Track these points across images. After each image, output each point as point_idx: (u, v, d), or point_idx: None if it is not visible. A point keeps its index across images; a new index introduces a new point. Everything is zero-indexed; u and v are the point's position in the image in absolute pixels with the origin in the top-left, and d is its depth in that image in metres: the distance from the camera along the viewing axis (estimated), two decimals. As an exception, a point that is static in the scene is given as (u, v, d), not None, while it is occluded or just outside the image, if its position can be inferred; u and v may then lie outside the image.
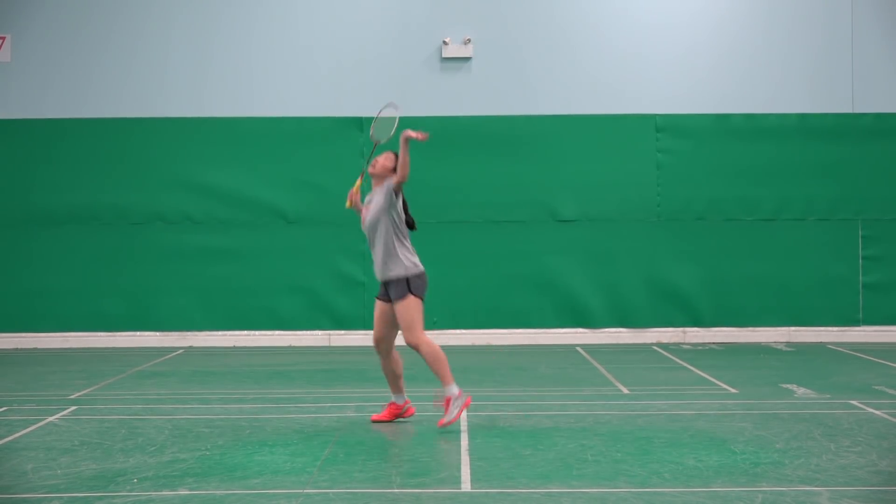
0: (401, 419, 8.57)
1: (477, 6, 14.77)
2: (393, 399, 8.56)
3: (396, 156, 8.45)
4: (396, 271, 8.23)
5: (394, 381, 8.48)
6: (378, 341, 8.40)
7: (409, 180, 14.64)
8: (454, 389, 8.22)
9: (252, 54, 14.74)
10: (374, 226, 8.37)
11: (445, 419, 8.14)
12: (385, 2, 14.80)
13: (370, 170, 8.51)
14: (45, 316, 14.43)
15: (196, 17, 14.75)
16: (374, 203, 8.43)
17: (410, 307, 8.19)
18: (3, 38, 14.62)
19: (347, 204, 8.73)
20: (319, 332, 14.50)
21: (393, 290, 8.22)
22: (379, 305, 8.37)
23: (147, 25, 14.74)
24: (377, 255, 8.33)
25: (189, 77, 14.71)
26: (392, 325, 8.35)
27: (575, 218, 14.58)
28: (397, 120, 8.84)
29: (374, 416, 8.56)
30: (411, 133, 8.21)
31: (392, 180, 8.40)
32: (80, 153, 14.52)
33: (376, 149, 8.76)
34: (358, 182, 8.73)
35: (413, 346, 8.24)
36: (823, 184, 14.56)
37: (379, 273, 8.31)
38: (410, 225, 8.55)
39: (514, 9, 14.78)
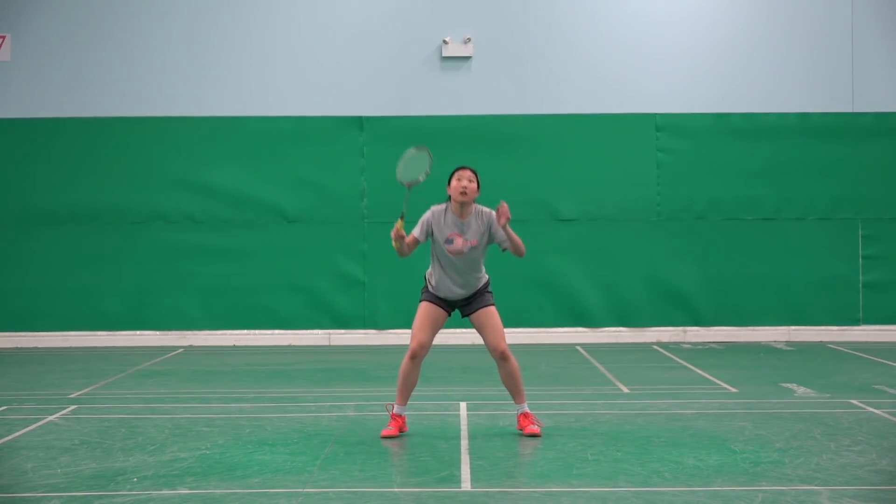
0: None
1: (477, 6, 14.77)
2: (397, 411, 7.97)
3: (474, 173, 8.13)
4: (479, 284, 8.08)
5: (410, 391, 7.97)
6: (424, 346, 7.82)
7: (409, 180, 14.57)
8: (526, 407, 8.00)
9: (252, 54, 14.74)
10: (472, 255, 8.00)
11: (538, 427, 7.89)
12: (385, 1, 14.80)
13: (461, 198, 8.01)
14: (45, 315, 14.43)
15: (196, 17, 14.74)
16: (474, 235, 7.99)
17: (498, 314, 7.98)
18: (3, 38, 14.62)
19: (395, 244, 8.11)
20: (319, 332, 14.50)
21: (478, 299, 7.96)
22: (431, 310, 7.92)
23: (147, 25, 14.74)
24: (460, 278, 7.94)
25: (189, 77, 14.71)
26: (436, 333, 7.96)
27: (575, 217, 14.58)
28: (428, 158, 8.54)
29: (386, 432, 7.91)
30: (504, 214, 7.87)
31: (495, 227, 8.02)
32: (80, 152, 14.52)
33: (410, 190, 8.39)
34: (400, 222, 8.21)
35: (502, 353, 7.86)
36: (823, 183, 14.56)
37: (460, 291, 7.94)
38: None
39: (513, 8, 14.78)
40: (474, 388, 10.39)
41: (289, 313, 14.53)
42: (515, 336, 14.39)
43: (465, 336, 14.48)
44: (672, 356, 12.93)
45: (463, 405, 9.31)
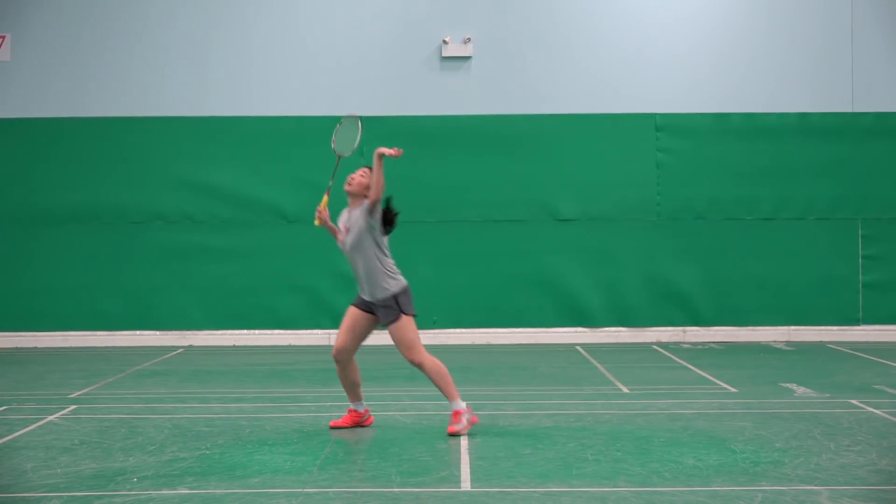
0: (360, 426, 8.35)
1: (477, 5, 14.77)
2: (352, 407, 8.27)
3: (370, 170, 8.22)
4: (383, 293, 8.03)
5: (352, 389, 8.22)
6: (342, 351, 8.08)
7: (408, 179, 14.64)
8: (461, 404, 8.03)
9: (252, 54, 14.74)
10: (356, 247, 8.05)
11: (456, 427, 7.96)
12: (385, 1, 14.80)
13: (346, 188, 8.22)
14: (45, 315, 14.43)
15: (196, 17, 14.74)
16: (354, 224, 8.08)
17: (407, 327, 8.00)
18: (3, 38, 14.62)
19: (316, 222, 8.27)
20: (319, 332, 14.50)
21: (383, 313, 8.02)
22: (353, 314, 8.09)
23: (147, 25, 14.74)
24: (361, 276, 8.05)
25: (189, 77, 14.71)
26: (361, 337, 8.13)
27: (575, 217, 14.58)
28: (360, 130, 8.67)
29: (333, 423, 8.27)
30: (385, 150, 8.07)
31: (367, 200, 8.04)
32: (80, 152, 14.52)
33: (340, 162, 8.62)
34: (325, 198, 8.34)
35: (417, 365, 8.01)
36: (823, 183, 14.56)
37: (366, 294, 8.07)
38: (391, 222, 8.24)
39: (513, 8, 14.78)
40: (474, 388, 10.39)
41: (289, 313, 14.53)
42: (515, 336, 14.43)
43: (465, 336, 14.49)
44: (672, 356, 12.93)
45: (463, 405, 9.28)
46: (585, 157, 14.57)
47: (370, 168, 8.26)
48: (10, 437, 7.98)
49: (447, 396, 8.08)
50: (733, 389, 10.18)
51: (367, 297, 8.09)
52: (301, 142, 14.54)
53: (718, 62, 14.78)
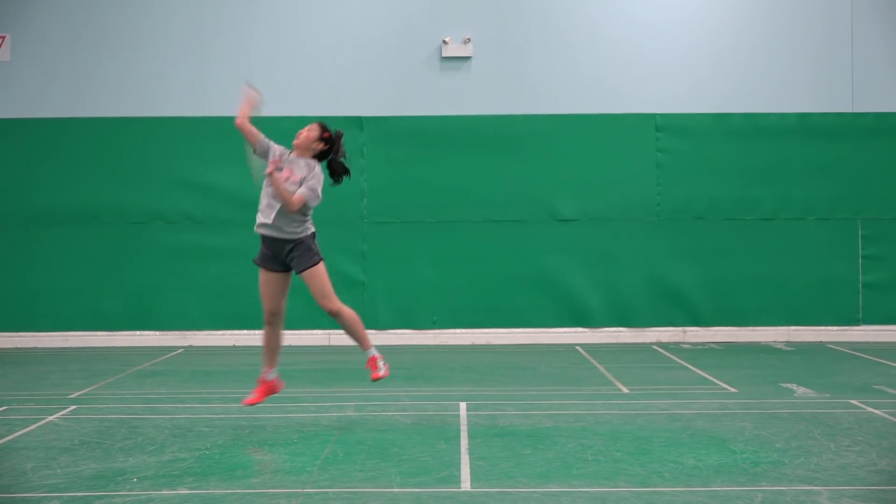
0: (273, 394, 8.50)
1: (477, 6, 14.77)
2: (264, 376, 8.38)
3: (321, 126, 8.29)
4: (296, 231, 8.13)
5: (274, 353, 8.36)
6: (274, 313, 8.20)
7: (408, 179, 14.60)
8: (375, 351, 8.33)
9: (252, 54, 14.74)
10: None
11: (380, 374, 8.25)
12: (385, 1, 14.80)
13: (294, 142, 8.26)
14: (45, 315, 14.43)
15: (196, 17, 14.74)
16: (295, 174, 8.10)
17: (322, 273, 8.17)
18: (3, 38, 14.63)
19: (240, 120, 8.49)
20: (319, 332, 14.50)
21: (298, 257, 8.10)
22: (267, 275, 8.15)
23: (147, 25, 14.74)
24: (271, 208, 8.05)
25: (189, 77, 14.71)
26: (285, 294, 8.25)
27: (575, 217, 14.58)
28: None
29: (247, 400, 8.39)
30: (270, 170, 8.04)
31: (317, 178, 8.13)
32: (80, 153, 14.52)
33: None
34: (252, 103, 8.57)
35: (334, 313, 8.17)
36: (823, 183, 14.55)
37: (269, 230, 8.06)
38: (345, 172, 8.36)
39: (513, 8, 14.78)
40: (474, 388, 10.39)
41: (288, 313, 14.24)
42: (515, 336, 14.43)
43: (465, 336, 14.49)
44: (672, 356, 12.93)
45: (463, 405, 9.31)
46: (585, 157, 14.57)
47: (320, 124, 8.32)
48: (10, 438, 7.98)
49: (362, 343, 8.31)
50: (733, 390, 10.19)
51: (269, 233, 8.08)
52: (301, 142, 14.51)
53: (718, 62, 14.78)
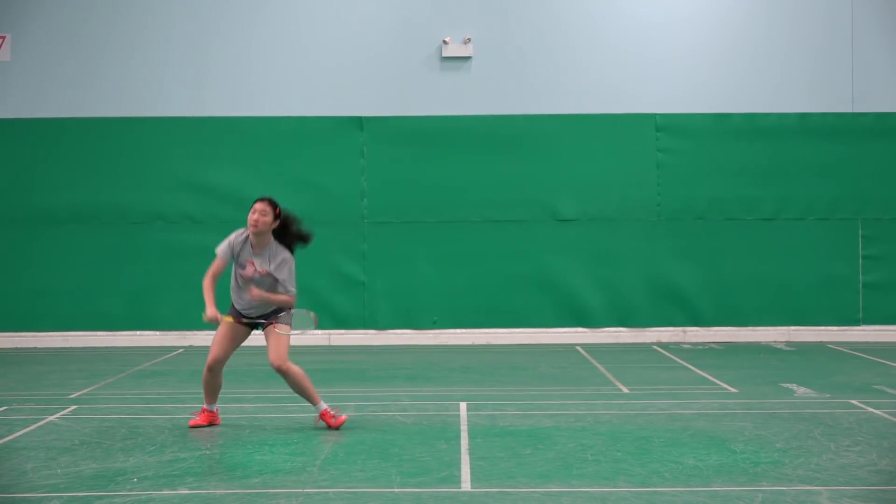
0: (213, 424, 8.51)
1: (477, 6, 14.77)
2: (207, 407, 8.46)
3: (270, 204, 8.39)
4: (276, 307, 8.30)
5: (216, 393, 8.46)
6: (219, 361, 8.30)
7: (408, 179, 14.63)
8: (324, 405, 8.33)
9: (252, 54, 14.74)
10: (262, 283, 8.20)
11: (342, 418, 8.27)
12: (385, 1, 14.80)
13: (254, 230, 8.28)
14: (45, 315, 14.43)
15: (196, 17, 14.74)
16: (259, 267, 8.22)
17: (287, 337, 8.29)
18: (3, 38, 14.63)
19: (215, 317, 8.24)
20: (319, 332, 14.49)
21: (273, 314, 8.26)
22: (232, 327, 8.28)
23: (147, 25, 14.74)
24: (252, 302, 8.21)
25: (189, 77, 14.71)
26: (236, 347, 8.40)
27: (575, 217, 14.58)
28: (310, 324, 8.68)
29: (194, 422, 8.40)
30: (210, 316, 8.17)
31: (288, 267, 8.29)
32: (81, 153, 14.52)
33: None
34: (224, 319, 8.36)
35: (283, 371, 8.19)
36: (823, 184, 14.56)
37: (252, 312, 8.26)
38: (306, 238, 8.59)
39: (514, 8, 14.78)
40: (474, 388, 10.39)
41: (289, 313, 14.49)
42: (515, 336, 14.43)
43: (465, 336, 14.49)
44: (672, 356, 12.93)
45: (463, 405, 9.30)
46: (585, 158, 14.57)
47: (271, 203, 8.44)
48: (10, 438, 7.98)
49: (311, 400, 8.29)
50: (733, 390, 10.18)
51: (249, 314, 8.29)
52: (301, 142, 14.54)
53: (718, 62, 14.78)
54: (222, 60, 14.73)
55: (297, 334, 8.60)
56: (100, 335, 14.45)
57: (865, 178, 14.57)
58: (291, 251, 8.39)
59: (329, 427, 8.24)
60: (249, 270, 8.22)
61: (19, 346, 14.36)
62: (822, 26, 14.74)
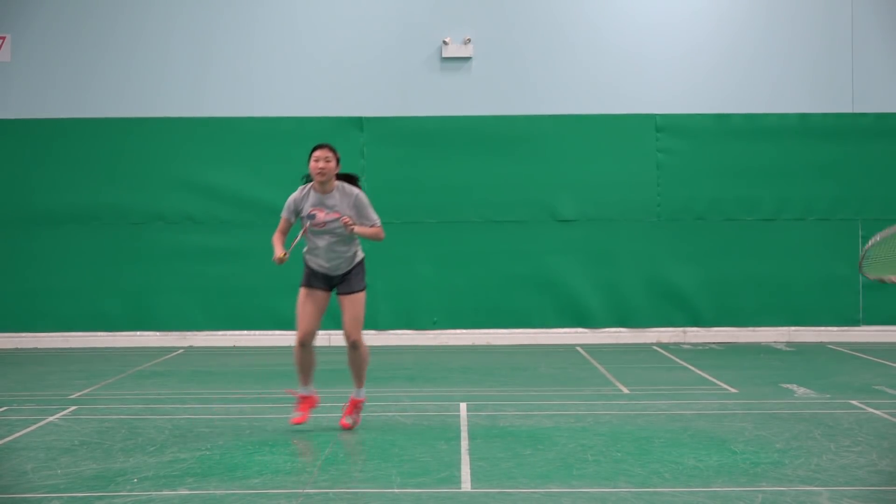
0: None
1: (477, 6, 14.77)
2: (305, 392, 8.33)
3: (332, 150, 8.14)
4: (353, 260, 8.17)
5: (310, 370, 8.32)
6: (310, 334, 8.18)
7: (408, 180, 14.64)
8: (364, 393, 8.32)
9: (252, 54, 14.74)
10: (334, 231, 8.06)
11: (350, 424, 8.22)
12: (385, 2, 14.80)
13: (321, 178, 8.04)
14: (45, 316, 14.43)
15: (196, 17, 14.75)
16: (330, 212, 8.05)
17: (363, 301, 8.19)
18: (3, 38, 14.62)
19: (282, 256, 8.13)
20: (319, 332, 14.44)
21: (347, 280, 8.13)
22: (315, 296, 8.13)
23: (147, 25, 14.74)
24: (328, 252, 8.06)
25: (189, 77, 14.71)
26: (323, 313, 8.22)
27: (575, 218, 14.58)
28: None
29: (296, 419, 8.21)
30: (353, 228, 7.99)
31: (365, 199, 8.21)
32: (81, 153, 14.52)
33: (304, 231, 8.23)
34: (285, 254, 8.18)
35: (357, 343, 8.14)
36: (823, 184, 14.56)
37: (330, 269, 8.09)
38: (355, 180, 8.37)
39: (514, 9, 14.78)
40: (474, 388, 10.39)
41: (289, 314, 14.43)
42: (515, 336, 14.43)
43: (465, 337, 14.49)
44: (672, 357, 12.93)
45: (463, 406, 9.31)
46: (585, 158, 14.57)
47: (332, 149, 8.16)
48: (10, 438, 7.98)
49: (356, 382, 8.26)
50: (733, 390, 10.18)
51: (326, 270, 8.11)
52: (301, 142, 14.38)
53: (718, 62, 14.78)
54: (222, 60, 14.74)
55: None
56: (100, 335, 14.45)
57: (865, 178, 14.56)
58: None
59: (343, 416, 8.21)
60: (320, 217, 8.05)
61: (19, 346, 14.36)
62: (822, 26, 14.74)
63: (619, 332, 14.50)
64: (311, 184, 8.17)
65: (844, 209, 14.56)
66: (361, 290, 8.20)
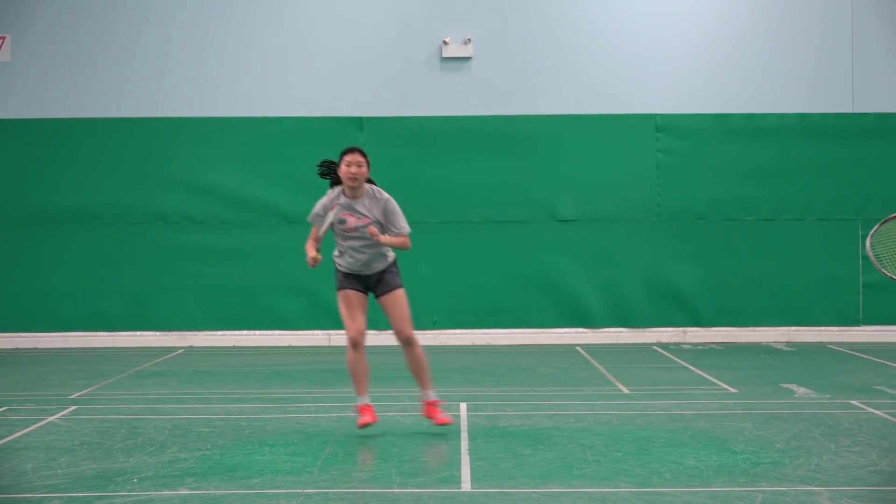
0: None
1: (477, 6, 14.77)
2: (365, 401, 8.01)
3: (363, 154, 8.10)
4: (385, 263, 8.11)
5: (366, 377, 8.01)
6: (362, 332, 7.94)
7: (408, 179, 14.67)
8: (433, 393, 8.16)
9: (252, 54, 14.74)
10: (365, 235, 7.98)
11: (446, 419, 8.08)
12: (385, 1, 14.80)
13: (352, 183, 7.98)
14: (45, 316, 14.43)
15: (196, 17, 14.75)
16: (360, 218, 7.99)
17: (405, 297, 8.12)
18: (3, 38, 14.63)
19: (314, 255, 7.98)
20: (319, 332, 14.50)
21: (387, 280, 8.06)
22: (354, 296, 7.99)
23: (147, 25, 14.74)
24: (361, 256, 8.00)
25: (189, 77, 14.71)
26: (366, 311, 8.05)
27: (575, 218, 14.58)
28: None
29: (364, 421, 7.97)
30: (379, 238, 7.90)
31: (394, 205, 8.07)
32: (80, 153, 14.52)
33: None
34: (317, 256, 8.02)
35: (411, 340, 8.02)
36: (823, 184, 14.55)
37: (361, 270, 8.02)
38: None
39: (514, 9, 14.78)
40: (474, 388, 10.39)
41: (289, 314, 14.53)
42: (515, 336, 14.43)
43: (465, 337, 14.49)
44: (672, 357, 12.93)
45: (463, 406, 9.31)
46: (585, 158, 14.57)
47: (362, 153, 8.13)
48: (10, 438, 7.98)
49: (423, 383, 8.09)
50: (733, 390, 10.18)
51: (359, 271, 8.04)
52: (301, 142, 14.53)
53: (718, 62, 14.78)
54: (222, 60, 14.74)
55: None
56: (100, 335, 14.45)
57: (865, 178, 14.56)
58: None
59: (433, 423, 8.03)
60: (351, 222, 7.97)
61: (19, 346, 14.36)
62: (822, 26, 14.74)
63: (619, 332, 14.50)
64: (341, 187, 8.08)
65: (844, 209, 14.56)
66: (401, 287, 8.11)
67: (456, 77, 14.73)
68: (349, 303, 8.03)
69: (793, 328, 14.52)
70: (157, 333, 14.48)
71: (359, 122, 14.52)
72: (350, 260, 8.06)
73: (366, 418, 7.95)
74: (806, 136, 14.58)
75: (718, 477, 6.68)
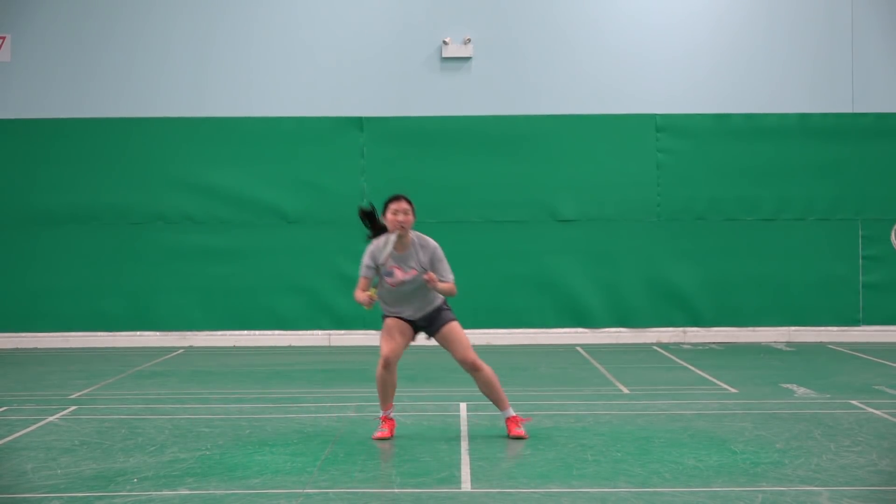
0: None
1: (477, 6, 14.77)
2: (388, 414, 7.99)
3: (409, 201, 8.05)
4: (433, 305, 7.93)
5: (391, 394, 7.96)
6: (396, 353, 7.81)
7: (408, 180, 14.73)
8: (512, 410, 8.05)
9: (252, 54, 14.74)
10: (414, 283, 7.83)
11: (522, 432, 7.91)
12: (385, 1, 14.80)
13: (402, 231, 7.84)
14: (45, 316, 14.43)
15: (196, 17, 14.75)
16: (407, 270, 7.82)
17: (460, 327, 7.97)
18: (3, 38, 14.63)
19: (369, 298, 7.71)
20: (319, 332, 14.50)
21: (435, 319, 7.90)
22: (398, 323, 7.88)
23: (147, 25, 14.74)
24: (407, 303, 7.87)
25: (189, 77, 14.71)
26: (406, 344, 7.94)
27: (575, 218, 14.58)
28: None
29: (381, 434, 7.91)
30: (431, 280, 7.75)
31: (440, 253, 7.90)
32: (80, 153, 14.53)
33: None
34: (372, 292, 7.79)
35: (477, 367, 7.91)
36: (823, 184, 14.56)
37: (410, 315, 7.89)
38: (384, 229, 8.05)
39: (514, 9, 14.79)
40: (474, 388, 10.36)
41: (289, 314, 14.53)
42: (515, 336, 14.43)
43: (465, 336, 14.47)
44: (672, 357, 12.93)
45: (463, 406, 9.31)
46: (585, 158, 14.57)
47: (408, 201, 8.08)
48: (10, 438, 7.98)
49: (500, 404, 7.97)
50: (733, 390, 10.18)
51: (409, 316, 7.92)
52: (301, 142, 14.54)
53: (718, 62, 14.78)
54: (222, 60, 14.74)
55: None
56: (100, 335, 14.46)
57: (865, 178, 14.57)
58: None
59: (509, 436, 7.88)
60: (398, 276, 7.81)
61: (19, 346, 14.36)
62: (822, 26, 14.74)
63: (619, 332, 14.51)
64: (391, 236, 7.85)
65: (844, 209, 14.57)
66: (454, 319, 7.95)
67: (456, 77, 14.73)
68: (390, 326, 7.90)
69: (793, 328, 14.53)
70: (157, 333, 14.48)
71: (359, 122, 14.53)
72: (394, 308, 7.91)
73: (384, 433, 7.91)
74: (806, 136, 14.58)
75: (718, 477, 6.68)
